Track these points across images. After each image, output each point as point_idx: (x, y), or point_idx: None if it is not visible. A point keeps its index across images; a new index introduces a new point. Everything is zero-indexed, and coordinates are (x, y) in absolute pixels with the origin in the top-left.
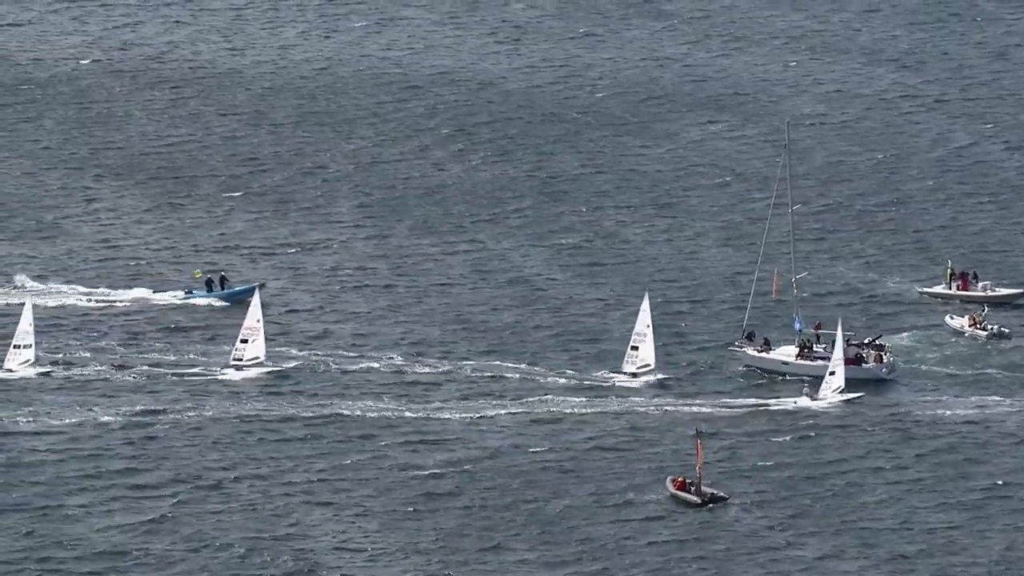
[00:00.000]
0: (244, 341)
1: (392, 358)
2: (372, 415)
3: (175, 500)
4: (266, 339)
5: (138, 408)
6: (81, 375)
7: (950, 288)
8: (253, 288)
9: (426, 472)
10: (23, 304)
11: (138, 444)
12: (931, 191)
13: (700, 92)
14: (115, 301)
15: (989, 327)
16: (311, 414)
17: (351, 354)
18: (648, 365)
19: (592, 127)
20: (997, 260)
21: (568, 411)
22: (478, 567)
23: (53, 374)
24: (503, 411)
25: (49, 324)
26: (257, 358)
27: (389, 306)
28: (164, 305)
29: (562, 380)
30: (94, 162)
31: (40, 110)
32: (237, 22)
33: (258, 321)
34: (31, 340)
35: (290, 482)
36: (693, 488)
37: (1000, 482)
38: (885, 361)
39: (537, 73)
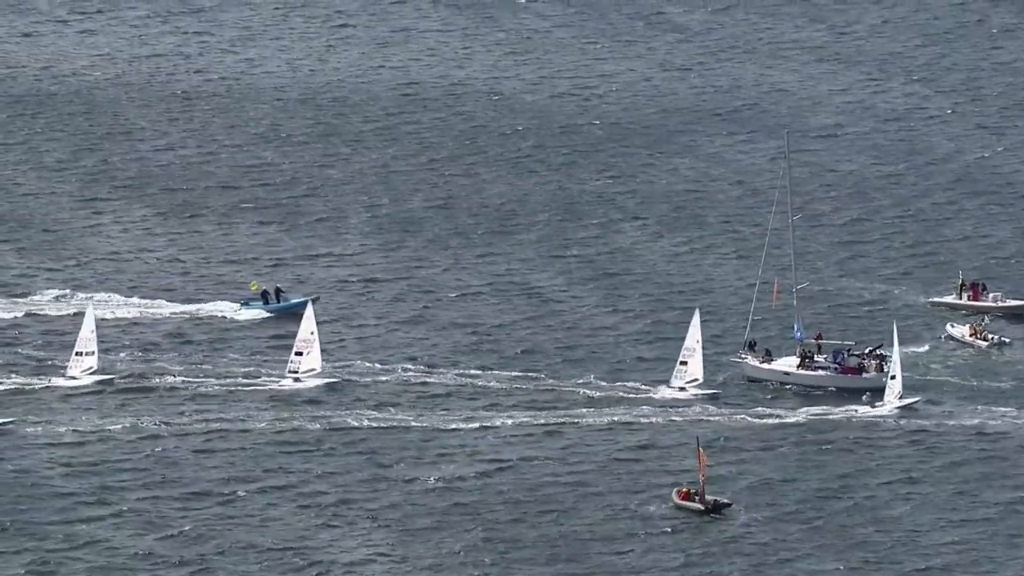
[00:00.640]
0: (299, 353)
1: (403, 369)
2: (381, 426)
3: (223, 506)
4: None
5: (192, 418)
6: (138, 385)
7: (961, 299)
8: (306, 301)
9: (436, 485)
10: (84, 312)
11: (179, 454)
12: (943, 203)
13: (715, 105)
14: (172, 313)
15: (990, 337)
16: (361, 424)
17: (367, 365)
18: (696, 380)
19: (607, 140)
20: (1008, 271)
21: (579, 423)
22: None
23: (115, 382)
24: (512, 422)
25: (108, 335)
26: (313, 370)
27: (398, 318)
28: (220, 317)
29: (573, 391)
30: (122, 176)
31: (53, 122)
32: (248, 35)
33: (312, 333)
34: (93, 347)
35: (304, 493)
36: (697, 497)
37: (1019, 496)
38: (886, 370)
39: (550, 85)
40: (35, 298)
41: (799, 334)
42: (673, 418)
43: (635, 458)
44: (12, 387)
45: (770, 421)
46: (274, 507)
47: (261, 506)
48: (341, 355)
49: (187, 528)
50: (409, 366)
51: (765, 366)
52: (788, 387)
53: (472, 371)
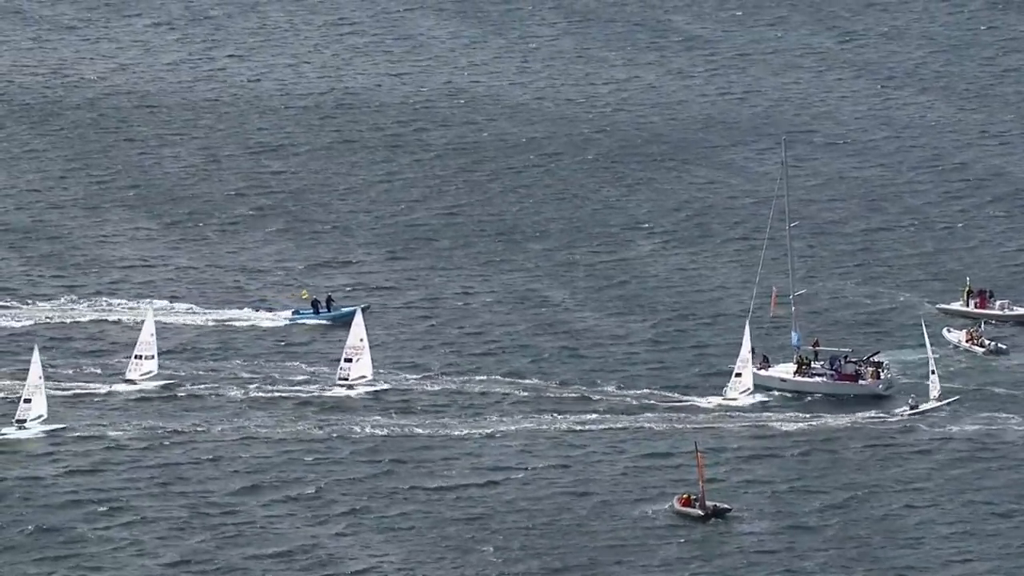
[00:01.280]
0: (348, 360)
1: (407, 378)
2: (390, 434)
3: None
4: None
5: (239, 424)
6: (192, 390)
7: (967, 306)
8: (356, 310)
9: (444, 493)
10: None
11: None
12: (950, 210)
13: (724, 113)
14: (225, 321)
15: (987, 343)
16: (369, 432)
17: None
18: (749, 389)
19: (617, 150)
20: (1015, 279)
21: (584, 429)
22: None
23: (171, 387)
24: (515, 429)
25: (161, 342)
26: (364, 377)
27: (406, 328)
28: (272, 326)
29: (576, 397)
30: (147, 186)
31: (65, 129)
32: (256, 45)
33: (361, 340)
34: (153, 351)
35: (313, 499)
36: (697, 503)
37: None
38: (882, 378)
39: (556, 94)
40: (73, 303)
41: (796, 341)
42: (677, 425)
43: (642, 465)
44: (71, 391)
45: (773, 428)
46: (291, 515)
47: (280, 514)
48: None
49: (231, 534)
50: (412, 376)
51: (763, 372)
52: (789, 394)
53: (478, 379)
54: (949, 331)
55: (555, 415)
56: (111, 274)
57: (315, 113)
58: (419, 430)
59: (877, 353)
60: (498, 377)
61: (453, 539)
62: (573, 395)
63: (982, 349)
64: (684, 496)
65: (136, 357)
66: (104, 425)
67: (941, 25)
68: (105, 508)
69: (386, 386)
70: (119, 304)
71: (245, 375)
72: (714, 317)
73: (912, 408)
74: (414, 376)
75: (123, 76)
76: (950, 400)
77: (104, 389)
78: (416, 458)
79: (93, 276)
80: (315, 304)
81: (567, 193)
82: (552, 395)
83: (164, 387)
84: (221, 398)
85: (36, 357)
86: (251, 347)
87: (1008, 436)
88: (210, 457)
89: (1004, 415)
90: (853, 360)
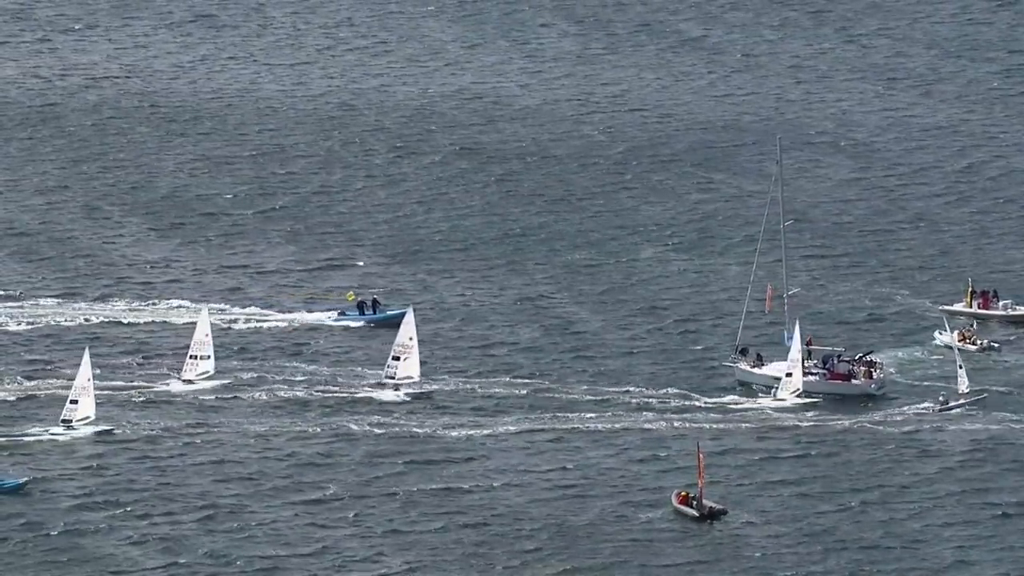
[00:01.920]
0: (396, 359)
1: (450, 380)
2: (383, 432)
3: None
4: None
5: (283, 425)
6: (240, 391)
7: (971, 306)
8: (404, 313)
9: (443, 493)
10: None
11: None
12: (953, 210)
13: (736, 120)
14: (269, 322)
15: (979, 342)
16: (361, 430)
17: (372, 374)
18: (799, 390)
19: (626, 155)
20: (1018, 279)
21: (585, 428)
22: None
23: (227, 386)
24: (515, 429)
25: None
26: (410, 377)
27: (315, 327)
28: (318, 326)
29: (577, 398)
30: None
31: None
32: (253, 49)
33: (410, 339)
34: (209, 351)
35: (313, 500)
36: (695, 502)
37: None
38: (875, 377)
39: (560, 100)
40: (117, 304)
41: (789, 340)
42: (676, 424)
43: (641, 465)
44: (121, 392)
45: (774, 428)
46: (297, 516)
47: (288, 516)
48: (347, 363)
49: (271, 532)
50: (454, 379)
51: (756, 371)
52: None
53: (477, 381)
54: (941, 332)
55: (555, 415)
56: (165, 275)
57: (318, 116)
58: (417, 430)
59: (870, 352)
60: (501, 378)
61: (455, 540)
62: (573, 395)
63: (975, 348)
64: (683, 492)
65: (191, 357)
66: (151, 426)
67: (945, 26)
68: (125, 509)
69: (432, 387)
70: (169, 306)
71: (291, 376)
72: (718, 318)
73: (943, 404)
74: (454, 379)
75: (136, 79)
76: (979, 396)
77: (155, 390)
78: (417, 458)
79: (139, 278)
80: (361, 306)
81: (571, 196)
82: (552, 395)
83: (221, 387)
84: (265, 399)
85: (86, 359)
86: (297, 348)
87: (1013, 437)
88: (256, 457)
89: (1010, 415)
90: (846, 359)
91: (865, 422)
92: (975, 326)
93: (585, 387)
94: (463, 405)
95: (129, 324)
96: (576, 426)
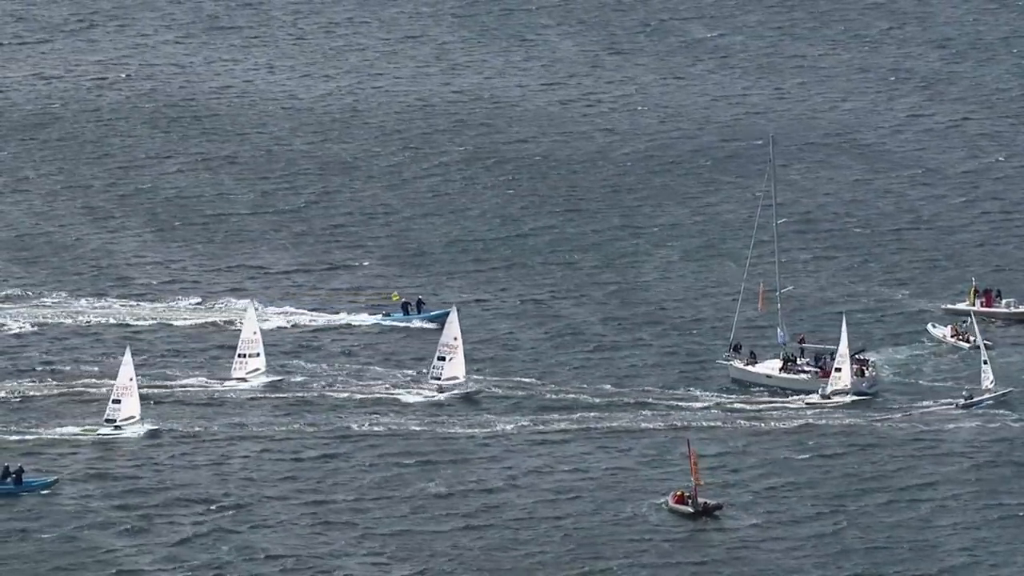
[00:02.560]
0: (442, 359)
1: (500, 382)
2: (392, 433)
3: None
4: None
5: (316, 425)
6: (283, 390)
7: (974, 305)
8: (447, 312)
9: (444, 492)
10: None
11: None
12: (957, 209)
13: (747, 127)
14: (315, 322)
15: (971, 338)
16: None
17: (371, 373)
18: (848, 386)
19: (641, 162)
20: (1021, 279)
21: (583, 429)
22: None
23: (275, 385)
24: (515, 429)
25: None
26: (456, 378)
27: (408, 328)
28: (363, 326)
29: (576, 398)
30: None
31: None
32: (256, 50)
33: (455, 339)
34: (259, 348)
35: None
36: (690, 500)
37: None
38: (867, 375)
39: (585, 107)
40: (177, 303)
41: (782, 338)
42: (675, 424)
43: (640, 465)
44: (167, 391)
45: (771, 425)
46: (297, 517)
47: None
48: (349, 363)
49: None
50: (413, 371)
51: (750, 368)
52: (785, 391)
53: (483, 383)
54: (934, 326)
55: (555, 415)
56: (216, 277)
57: (320, 119)
58: (416, 427)
59: (862, 350)
60: (502, 379)
61: (451, 541)
62: (573, 395)
63: (968, 344)
64: (678, 492)
65: (240, 356)
66: (194, 425)
67: (944, 26)
68: (142, 513)
69: (474, 388)
70: (216, 304)
71: (335, 376)
72: (720, 319)
73: (967, 400)
74: (510, 379)
75: (126, 83)
76: (1004, 392)
77: (201, 389)
78: (419, 459)
79: (184, 278)
80: (405, 306)
81: (573, 197)
82: (552, 396)
83: (268, 385)
84: (307, 398)
85: (128, 358)
86: (340, 348)
87: (1002, 431)
88: (289, 458)
89: (996, 411)
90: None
91: (865, 421)
92: (968, 322)
93: (583, 386)
94: (464, 404)
95: (171, 325)
96: (576, 426)
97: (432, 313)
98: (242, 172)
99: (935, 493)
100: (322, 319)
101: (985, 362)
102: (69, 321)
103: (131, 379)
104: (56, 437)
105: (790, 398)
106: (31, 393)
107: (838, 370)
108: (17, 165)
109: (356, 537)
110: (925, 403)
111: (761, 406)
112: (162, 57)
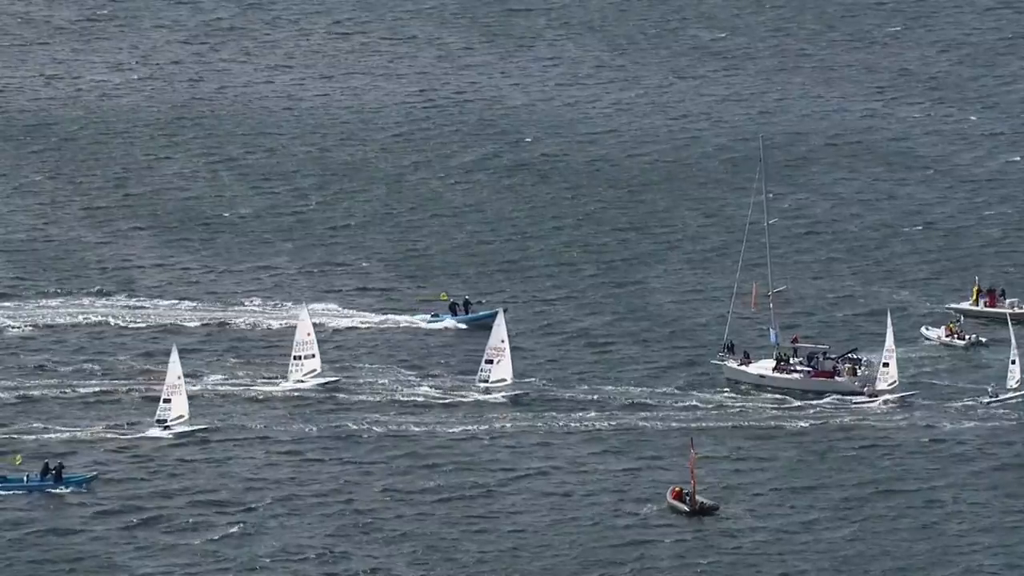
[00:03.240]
0: (489, 362)
1: (545, 383)
2: (385, 432)
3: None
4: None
5: (371, 425)
6: (335, 391)
7: (977, 305)
8: (495, 313)
9: (441, 491)
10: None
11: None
12: (961, 210)
13: (756, 131)
14: (361, 324)
15: (967, 337)
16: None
17: (374, 374)
18: (895, 381)
19: (646, 164)
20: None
21: (583, 429)
22: None
23: (331, 386)
24: (514, 427)
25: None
26: (504, 380)
27: (408, 328)
28: (411, 327)
29: (576, 397)
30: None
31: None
32: (259, 52)
33: (502, 342)
34: (313, 349)
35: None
36: (688, 498)
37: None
38: (859, 375)
39: (597, 113)
40: (242, 305)
41: (775, 338)
42: (673, 424)
43: (632, 458)
44: (219, 390)
45: (770, 425)
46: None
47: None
48: (355, 364)
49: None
50: (410, 375)
51: (743, 368)
52: (786, 391)
53: (478, 382)
54: (928, 328)
55: (555, 415)
56: (264, 279)
57: (323, 121)
58: (416, 428)
59: (855, 350)
60: (496, 379)
61: (449, 540)
62: (573, 395)
63: (962, 343)
64: (677, 488)
65: (295, 358)
66: (248, 425)
67: (945, 27)
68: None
69: (522, 391)
70: (265, 306)
71: (386, 377)
72: (720, 319)
73: (992, 397)
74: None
75: (129, 89)
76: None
77: (255, 389)
78: (421, 460)
79: (225, 280)
80: (453, 307)
81: (576, 197)
82: (552, 396)
83: (323, 385)
84: (356, 398)
85: (175, 357)
86: (394, 349)
87: (1000, 432)
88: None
89: (995, 410)
90: (831, 357)
91: (864, 421)
92: (962, 320)
93: (582, 385)
94: (464, 405)
95: (225, 324)
96: (576, 426)
97: (480, 314)
98: (245, 173)
99: (947, 495)
100: (377, 321)
101: (1013, 361)
102: (108, 321)
103: (179, 377)
104: (86, 438)
105: (826, 398)
106: (68, 393)
107: (886, 364)
108: (17, 165)
109: (383, 539)
110: (903, 406)
111: (762, 406)
112: (165, 59)
